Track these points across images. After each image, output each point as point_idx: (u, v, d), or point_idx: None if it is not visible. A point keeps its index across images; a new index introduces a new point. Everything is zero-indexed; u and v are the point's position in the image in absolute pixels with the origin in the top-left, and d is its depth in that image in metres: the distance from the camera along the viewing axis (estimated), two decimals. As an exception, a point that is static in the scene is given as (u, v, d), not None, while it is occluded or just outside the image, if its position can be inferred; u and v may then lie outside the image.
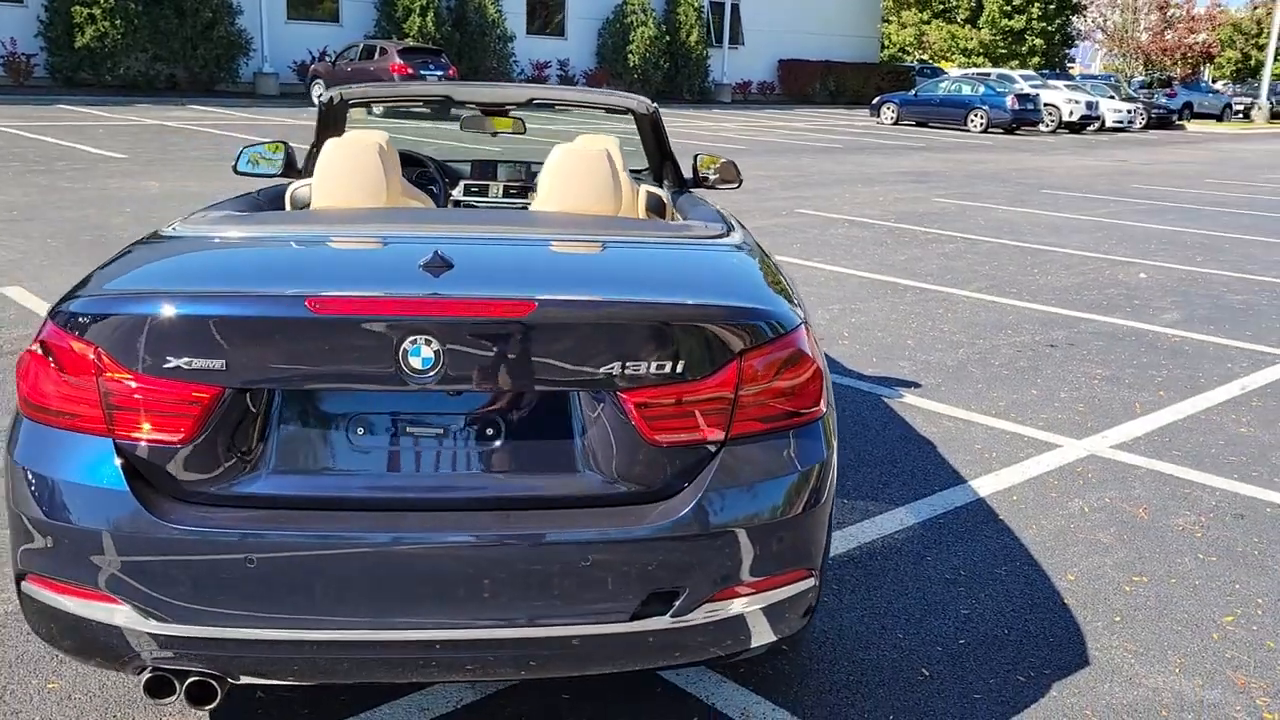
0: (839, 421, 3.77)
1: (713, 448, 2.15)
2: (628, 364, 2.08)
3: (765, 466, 2.19)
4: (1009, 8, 42.68)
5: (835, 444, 2.36)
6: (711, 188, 4.28)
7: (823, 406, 2.31)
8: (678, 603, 2.12)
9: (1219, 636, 3.06)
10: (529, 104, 4.08)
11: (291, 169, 3.92)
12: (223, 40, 25.52)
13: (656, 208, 3.63)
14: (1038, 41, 42.83)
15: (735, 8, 37.10)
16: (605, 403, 2.11)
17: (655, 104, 4.03)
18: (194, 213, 2.78)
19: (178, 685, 2.11)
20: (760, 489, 2.18)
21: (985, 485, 4.08)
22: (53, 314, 2.11)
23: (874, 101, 31.19)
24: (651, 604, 2.11)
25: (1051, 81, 32.84)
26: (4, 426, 4.26)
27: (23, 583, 2.11)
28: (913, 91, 31.27)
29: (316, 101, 24.62)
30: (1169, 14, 47.67)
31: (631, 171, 3.68)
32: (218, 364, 2.01)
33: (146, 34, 24.17)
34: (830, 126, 26.92)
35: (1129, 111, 32.60)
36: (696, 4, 34.81)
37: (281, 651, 2.07)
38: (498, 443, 2.12)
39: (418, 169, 4.24)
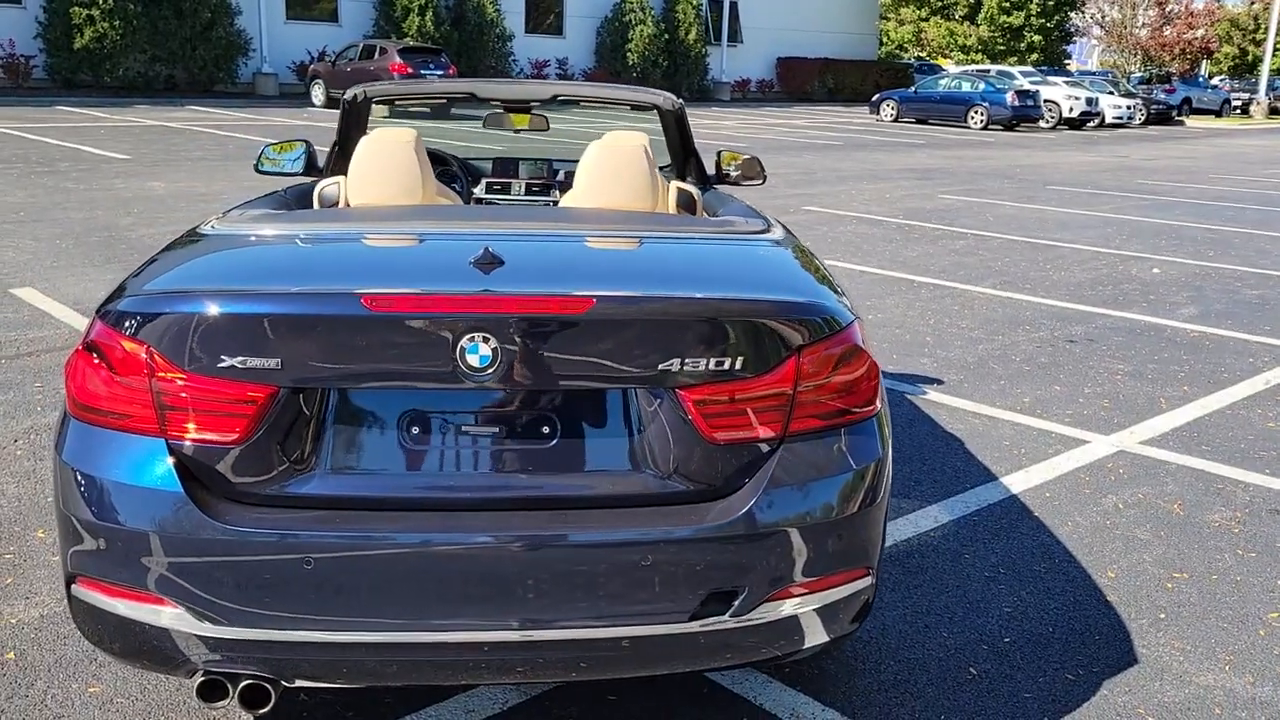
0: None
1: (771, 445, 2.12)
2: (686, 360, 2.05)
3: (823, 464, 2.16)
4: (1007, 4, 42.62)
5: (890, 441, 2.33)
6: (735, 184, 4.25)
7: (878, 403, 2.28)
8: (737, 602, 2.09)
9: (1265, 633, 3.03)
10: (553, 100, 4.04)
11: (313, 168, 3.88)
12: (221, 41, 25.42)
13: (687, 204, 3.60)
14: (1036, 38, 42.78)
15: (734, 5, 37.05)
16: (663, 400, 2.08)
17: (681, 100, 4.00)
18: (229, 211, 2.74)
19: (231, 689, 2.08)
20: (819, 486, 2.15)
21: (1017, 482, 4.05)
22: (101, 313, 2.07)
23: (873, 99, 31.16)
24: (711, 604, 2.08)
25: (1051, 78, 32.80)
26: (24, 428, 4.22)
27: (73, 586, 2.07)
28: (912, 88, 31.24)
29: (316, 100, 24.62)
30: (1168, 9, 47.66)
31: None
32: (273, 363, 1.97)
33: (145, 35, 24.07)
34: (830, 124, 26.89)
35: (1128, 107, 32.60)
36: (695, 2, 34.74)
37: (334, 654, 2.04)
38: (554, 441, 2.09)
39: (440, 166, 4.21)
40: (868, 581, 2.25)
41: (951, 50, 44.77)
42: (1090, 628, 3.02)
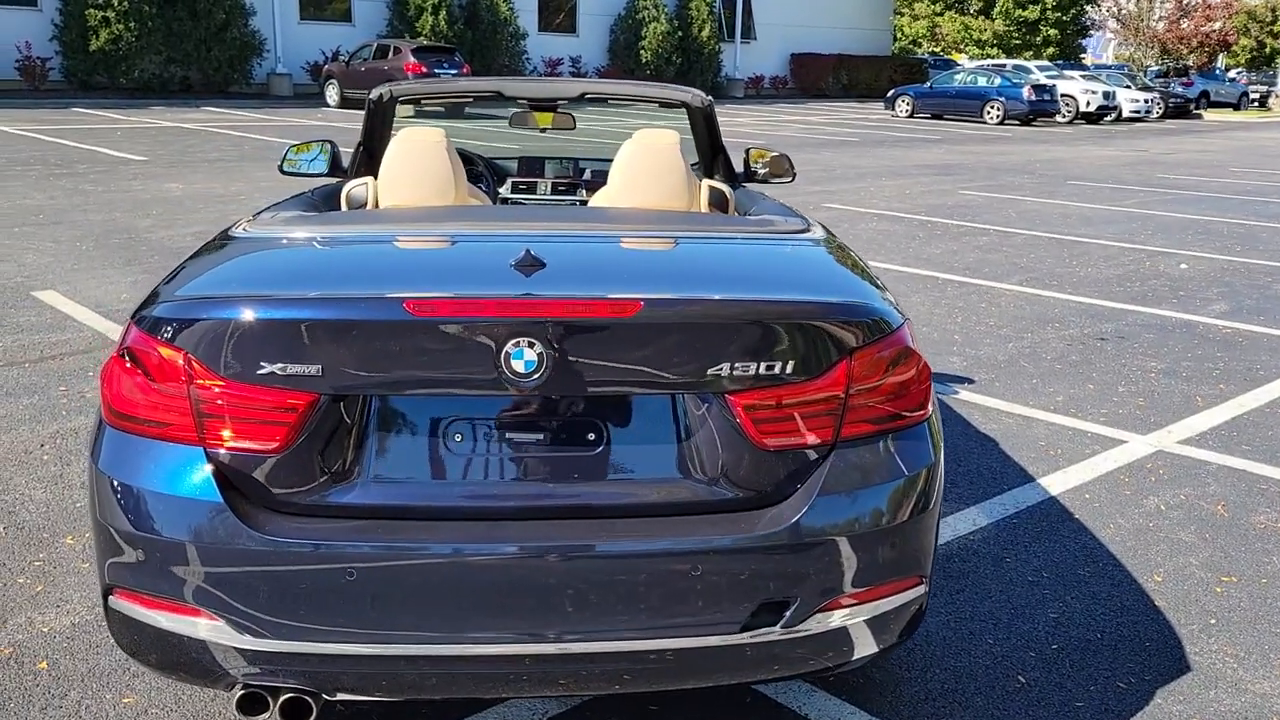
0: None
1: (822, 451, 2.06)
2: (735, 364, 1.99)
3: (875, 470, 2.10)
4: (1023, -2, 42.43)
5: (942, 446, 2.26)
6: (764, 182, 4.19)
7: (929, 408, 2.22)
8: (789, 613, 2.03)
9: (1320, 639, 2.96)
10: (581, 99, 3.99)
11: (337, 169, 3.84)
12: (236, 41, 25.47)
13: (719, 203, 3.54)
14: (1052, 32, 42.55)
15: (747, 1, 36.94)
16: (711, 405, 2.02)
17: (710, 98, 3.94)
18: (259, 213, 2.69)
19: (271, 702, 2.03)
20: (871, 493, 2.09)
21: (1055, 483, 3.98)
22: (137, 320, 2.03)
23: (889, 94, 31.01)
24: (762, 614, 2.02)
25: (1067, 72, 32.58)
26: (50, 433, 4.19)
27: (110, 597, 2.03)
28: (928, 84, 31.07)
29: (330, 100, 24.63)
30: (1185, 2, 47.28)
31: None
32: (313, 369, 1.92)
33: (160, 36, 24.13)
34: (845, 120, 26.76)
35: (1146, 101, 32.36)
36: (708, -1, 34.69)
37: (376, 666, 1.99)
38: (599, 448, 2.04)
39: (466, 166, 4.16)
40: (920, 591, 2.19)
41: (966, 45, 44.56)
42: (1139, 634, 2.95)
